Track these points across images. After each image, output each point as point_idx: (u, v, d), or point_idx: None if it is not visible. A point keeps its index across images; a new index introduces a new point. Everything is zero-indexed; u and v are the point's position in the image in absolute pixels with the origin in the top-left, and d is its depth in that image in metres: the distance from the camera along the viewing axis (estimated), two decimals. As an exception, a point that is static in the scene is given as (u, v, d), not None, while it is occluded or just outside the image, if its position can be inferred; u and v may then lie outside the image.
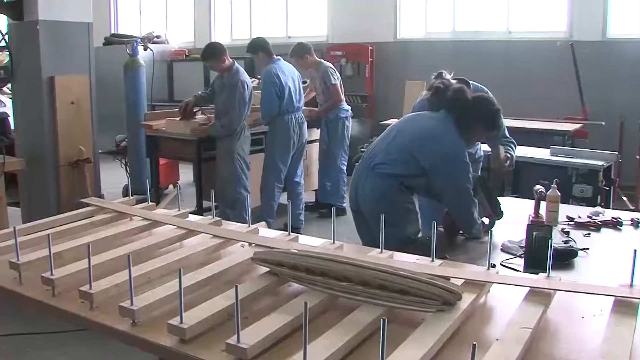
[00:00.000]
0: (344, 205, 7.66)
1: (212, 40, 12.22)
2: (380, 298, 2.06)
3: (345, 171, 7.84)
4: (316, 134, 7.97)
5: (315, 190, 8.18)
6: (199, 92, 7.10)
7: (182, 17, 14.39)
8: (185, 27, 14.29)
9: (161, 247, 2.75)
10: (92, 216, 3.26)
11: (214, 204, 3.14)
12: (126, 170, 8.57)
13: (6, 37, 6.20)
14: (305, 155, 7.64)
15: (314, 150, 8.04)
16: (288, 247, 2.57)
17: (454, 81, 4.34)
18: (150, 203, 3.38)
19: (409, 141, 3.96)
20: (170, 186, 9.11)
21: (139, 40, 9.08)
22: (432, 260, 2.49)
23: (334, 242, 2.72)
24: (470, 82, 4.57)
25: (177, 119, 7.00)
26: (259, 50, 7.08)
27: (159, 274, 2.39)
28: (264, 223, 3.16)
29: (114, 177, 8.76)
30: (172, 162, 8.81)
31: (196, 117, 7.12)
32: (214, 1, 13.77)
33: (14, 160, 5.93)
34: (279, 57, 7.21)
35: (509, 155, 4.54)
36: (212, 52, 6.56)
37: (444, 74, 4.49)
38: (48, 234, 2.53)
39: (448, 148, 3.85)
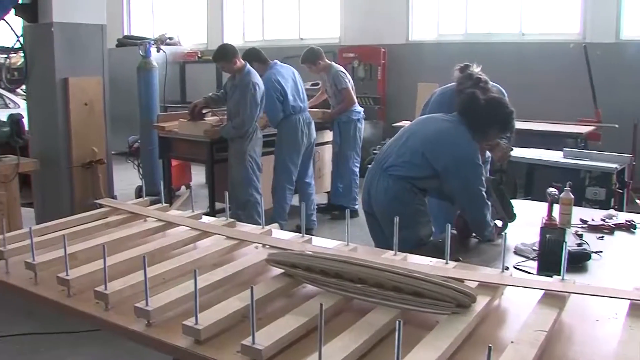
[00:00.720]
0: (357, 207, 7.66)
1: (225, 42, 12.25)
2: (394, 300, 2.07)
3: (358, 173, 7.85)
4: (329, 135, 7.98)
5: (327, 192, 8.18)
6: (210, 94, 7.11)
7: (195, 19, 14.43)
8: (197, 29, 14.32)
9: (175, 248, 2.76)
10: (106, 217, 3.28)
11: (228, 205, 3.14)
12: (139, 171, 8.61)
13: (21, 39, 6.23)
14: (317, 157, 7.65)
15: (327, 152, 8.05)
16: (302, 249, 2.58)
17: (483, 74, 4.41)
18: (164, 204, 3.39)
19: (421, 143, 3.96)
20: (183, 187, 9.14)
21: (152, 42, 9.11)
22: (446, 263, 2.49)
23: (348, 244, 2.72)
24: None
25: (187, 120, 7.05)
26: (253, 62, 7.04)
27: (174, 275, 2.40)
28: (276, 224, 3.17)
29: (126, 178, 8.80)
30: (184, 164, 8.83)
31: (205, 118, 7.15)
32: (226, 3, 13.80)
33: (28, 161, 5.95)
34: (274, 60, 7.24)
35: (509, 147, 4.52)
36: (224, 54, 6.58)
37: (470, 67, 4.52)
38: (63, 235, 2.55)
39: (460, 150, 3.85)
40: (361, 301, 2.14)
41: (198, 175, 9.55)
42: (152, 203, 3.47)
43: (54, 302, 2.36)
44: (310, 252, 2.42)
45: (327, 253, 2.42)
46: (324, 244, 2.81)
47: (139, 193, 8.40)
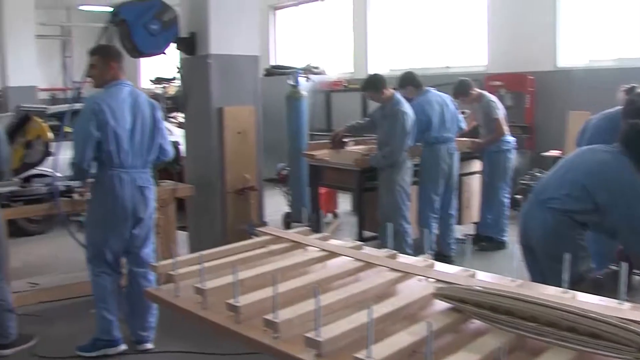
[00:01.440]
0: (505, 238, 7.52)
1: (369, 71, 12.35)
2: (570, 341, 2.00)
3: (508, 204, 7.69)
4: (477, 165, 7.85)
5: (475, 223, 8.03)
6: (352, 122, 7.21)
7: (340, 49, 14.62)
8: (342, 58, 14.50)
9: (339, 278, 2.78)
10: (265, 245, 3.35)
11: (392, 236, 3.14)
12: (287, 198, 8.77)
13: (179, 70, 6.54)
14: (465, 187, 7.56)
15: (475, 181, 7.92)
16: (468, 283, 2.54)
17: None
18: (325, 234, 3.43)
19: (582, 176, 3.84)
20: (329, 215, 9.23)
21: (301, 71, 9.30)
22: (621, 302, 2.38)
23: (514, 280, 2.66)
24: None
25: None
26: (407, 85, 7.10)
27: (340, 306, 2.42)
28: (427, 255, 3.15)
29: (273, 204, 8.98)
30: (330, 191, 8.93)
31: (346, 146, 7.23)
32: (370, 32, 13.90)
33: (184, 187, 6.22)
34: (428, 88, 7.21)
35: None
36: (373, 84, 6.62)
37: (638, 88, 4.38)
38: (232, 262, 2.64)
39: (624, 183, 3.71)
40: (534, 340, 2.08)
41: (343, 202, 9.64)
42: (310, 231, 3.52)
43: (222, 327, 2.43)
44: (479, 287, 2.38)
45: (496, 289, 2.37)
46: (488, 278, 2.76)
47: (286, 219, 8.59)
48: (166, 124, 10.63)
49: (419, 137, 6.87)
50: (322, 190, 8.17)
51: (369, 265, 2.92)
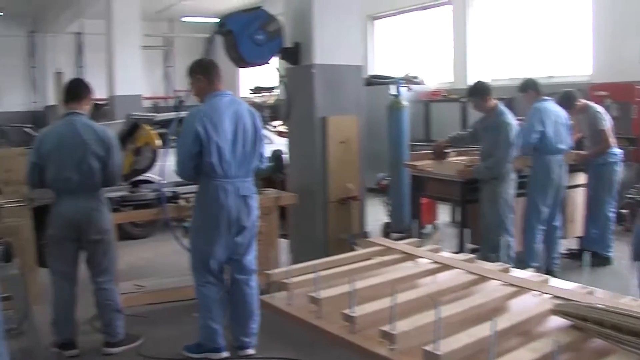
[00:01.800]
0: (610, 254, 7.29)
1: (469, 81, 12.21)
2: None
3: (614, 219, 7.46)
4: (582, 178, 7.65)
5: (579, 237, 7.81)
6: (454, 133, 7.16)
7: (440, 58, 14.51)
8: (442, 68, 14.38)
9: (454, 291, 2.77)
10: (373, 257, 3.35)
11: (505, 248, 3.11)
12: (386, 208, 8.75)
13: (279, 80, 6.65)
14: (569, 200, 7.39)
15: (579, 195, 7.71)
16: (587, 300, 2.48)
17: None
18: (436, 246, 3.42)
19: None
20: (428, 226, 9.15)
21: (402, 81, 9.26)
22: None
23: (636, 299, 2.58)
24: None
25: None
26: (529, 89, 6.99)
27: (457, 319, 2.40)
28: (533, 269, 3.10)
29: (372, 213, 8.97)
30: (430, 202, 8.85)
31: (448, 157, 7.18)
32: (470, 41, 13.74)
33: (287, 195, 6.28)
34: (546, 98, 7.07)
35: None
36: (480, 90, 6.54)
37: None
38: (344, 272, 2.66)
39: None
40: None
41: (442, 214, 9.55)
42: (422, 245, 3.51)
43: (337, 337, 2.45)
44: (601, 305, 2.32)
45: (619, 307, 2.31)
46: (607, 296, 2.69)
47: (385, 229, 8.57)
48: (267, 133, 10.88)
49: (531, 146, 6.74)
50: (423, 201, 8.12)
51: (482, 278, 2.89)
